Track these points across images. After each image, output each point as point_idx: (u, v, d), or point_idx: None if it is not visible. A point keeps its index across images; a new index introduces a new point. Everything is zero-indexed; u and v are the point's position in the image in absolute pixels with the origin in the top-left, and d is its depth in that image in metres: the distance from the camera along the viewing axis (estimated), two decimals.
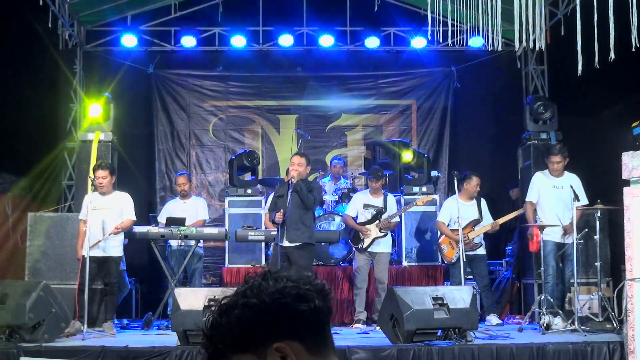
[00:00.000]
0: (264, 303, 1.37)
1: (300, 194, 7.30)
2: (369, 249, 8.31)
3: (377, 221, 8.34)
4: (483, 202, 8.54)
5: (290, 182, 7.37)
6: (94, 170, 7.82)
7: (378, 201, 8.46)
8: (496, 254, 9.82)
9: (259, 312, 1.37)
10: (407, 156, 9.73)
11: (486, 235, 8.52)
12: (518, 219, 8.92)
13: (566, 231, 7.72)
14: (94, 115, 9.43)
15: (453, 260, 8.17)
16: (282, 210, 7.32)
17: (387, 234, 8.37)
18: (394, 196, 9.11)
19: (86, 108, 9.61)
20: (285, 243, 7.37)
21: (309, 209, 7.46)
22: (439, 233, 8.86)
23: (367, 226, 8.36)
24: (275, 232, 7.57)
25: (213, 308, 1.42)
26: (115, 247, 7.70)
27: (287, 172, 7.63)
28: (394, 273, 8.88)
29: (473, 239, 8.29)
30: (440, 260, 9.15)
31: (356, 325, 8.11)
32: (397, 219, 8.58)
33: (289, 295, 1.38)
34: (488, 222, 8.40)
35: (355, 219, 8.54)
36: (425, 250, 9.30)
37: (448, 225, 8.36)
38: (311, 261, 7.77)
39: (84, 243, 7.43)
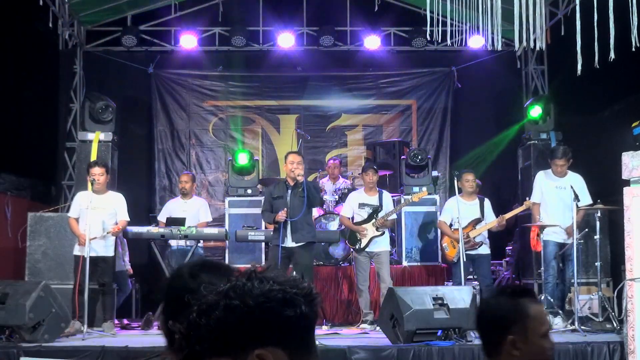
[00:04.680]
0: (247, 306, 1.28)
1: (309, 194, 7.31)
2: (367, 249, 8.22)
3: (374, 220, 8.27)
4: (487, 201, 8.52)
5: (286, 182, 7.35)
6: (90, 167, 7.69)
7: (373, 199, 8.36)
8: (496, 254, 9.81)
9: (241, 315, 1.28)
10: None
11: (490, 235, 8.50)
12: (518, 218, 8.92)
13: (568, 233, 7.72)
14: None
15: (454, 260, 8.15)
16: (284, 209, 7.31)
17: (384, 232, 8.28)
18: (394, 196, 9.11)
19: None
20: (290, 244, 7.37)
21: (312, 208, 7.48)
22: (439, 232, 8.87)
23: (363, 226, 8.24)
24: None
25: (193, 307, 1.33)
26: (107, 247, 7.64)
27: (291, 171, 7.55)
28: (394, 273, 8.85)
29: (474, 237, 8.28)
30: (440, 260, 9.16)
31: (362, 325, 8.07)
32: (394, 216, 8.43)
33: (274, 299, 1.29)
34: (491, 221, 8.38)
35: (352, 219, 8.48)
36: (425, 250, 9.30)
37: (450, 225, 8.34)
38: (312, 259, 7.78)
39: (82, 232, 7.39)
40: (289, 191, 7.41)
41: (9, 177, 9.71)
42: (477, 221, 8.33)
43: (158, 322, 7.91)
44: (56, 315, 6.72)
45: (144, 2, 11.34)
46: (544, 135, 9.68)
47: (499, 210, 8.65)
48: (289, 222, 7.35)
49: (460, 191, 8.33)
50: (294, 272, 7.29)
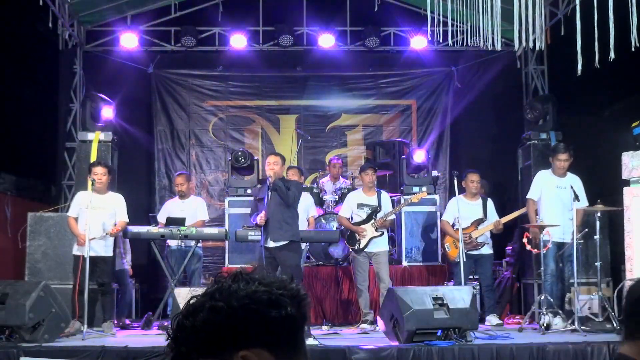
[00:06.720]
0: (231, 308, 1.29)
1: (280, 192, 7.28)
2: (366, 249, 8.22)
3: (373, 220, 8.25)
4: (490, 201, 8.51)
5: (267, 182, 7.35)
6: (92, 167, 7.72)
7: (372, 200, 8.36)
8: (496, 254, 9.81)
9: (226, 316, 1.29)
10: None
11: (491, 235, 8.50)
12: (518, 218, 8.92)
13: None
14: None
15: (456, 260, 8.15)
16: (263, 212, 7.30)
17: (383, 233, 8.28)
18: (394, 196, 9.11)
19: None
20: (270, 244, 7.32)
21: (290, 206, 7.41)
22: (439, 232, 8.87)
23: (362, 226, 8.24)
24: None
25: (182, 308, 1.35)
26: (106, 247, 7.65)
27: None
28: (393, 273, 8.85)
29: (476, 238, 8.28)
30: (440, 260, 9.16)
31: (362, 325, 8.06)
32: (392, 216, 8.43)
33: (259, 301, 1.30)
34: (491, 221, 8.38)
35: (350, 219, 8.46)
36: (425, 250, 9.29)
37: (453, 224, 8.33)
38: (299, 260, 7.68)
39: (81, 232, 7.36)
40: (268, 191, 7.40)
41: (9, 177, 9.71)
42: (479, 221, 8.33)
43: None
44: (56, 315, 6.72)
45: (144, 2, 11.34)
46: (544, 135, 9.67)
47: (498, 211, 8.66)
48: (269, 222, 7.34)
49: (462, 191, 8.33)
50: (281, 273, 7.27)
